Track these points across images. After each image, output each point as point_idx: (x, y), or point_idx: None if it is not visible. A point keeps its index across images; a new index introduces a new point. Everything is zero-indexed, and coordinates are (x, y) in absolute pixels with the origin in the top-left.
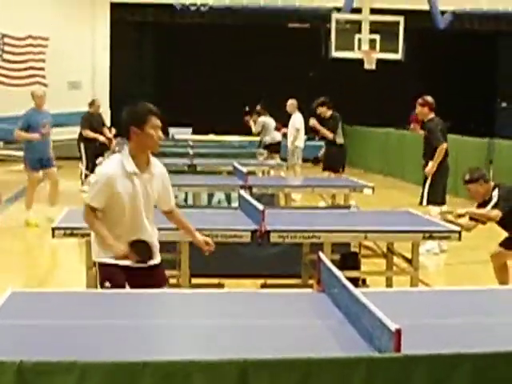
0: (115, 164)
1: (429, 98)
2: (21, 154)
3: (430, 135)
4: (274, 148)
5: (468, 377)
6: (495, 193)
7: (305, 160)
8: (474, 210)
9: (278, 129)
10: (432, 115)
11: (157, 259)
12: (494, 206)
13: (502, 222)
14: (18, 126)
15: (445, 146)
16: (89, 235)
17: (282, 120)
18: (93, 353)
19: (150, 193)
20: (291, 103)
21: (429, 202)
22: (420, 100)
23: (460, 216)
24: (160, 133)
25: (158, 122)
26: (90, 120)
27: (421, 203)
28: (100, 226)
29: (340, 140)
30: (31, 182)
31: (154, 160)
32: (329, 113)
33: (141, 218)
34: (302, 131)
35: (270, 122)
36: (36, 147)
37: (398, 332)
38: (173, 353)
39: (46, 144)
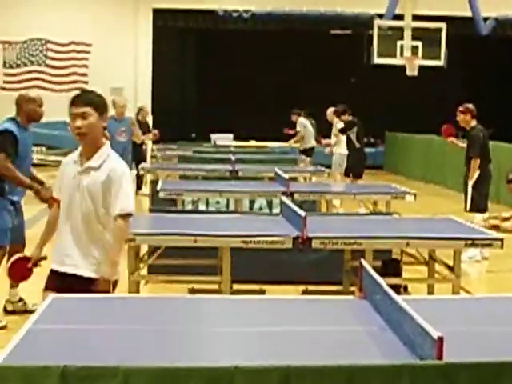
0: (73, 154)
1: (470, 106)
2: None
3: (472, 144)
4: (307, 153)
5: None
6: None
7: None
8: None
9: (317, 141)
10: (474, 123)
11: (82, 270)
12: None
13: None
14: None
15: (478, 161)
16: (131, 240)
17: (324, 126)
18: (136, 358)
19: (85, 188)
20: (331, 111)
21: (471, 210)
22: (461, 108)
23: (506, 219)
24: (79, 122)
25: (75, 110)
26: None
27: (466, 209)
28: (46, 226)
29: (357, 144)
30: None
31: (106, 155)
32: (350, 119)
33: (78, 217)
34: (343, 138)
35: (310, 126)
36: None
37: (441, 339)
38: (215, 358)
39: (122, 151)
